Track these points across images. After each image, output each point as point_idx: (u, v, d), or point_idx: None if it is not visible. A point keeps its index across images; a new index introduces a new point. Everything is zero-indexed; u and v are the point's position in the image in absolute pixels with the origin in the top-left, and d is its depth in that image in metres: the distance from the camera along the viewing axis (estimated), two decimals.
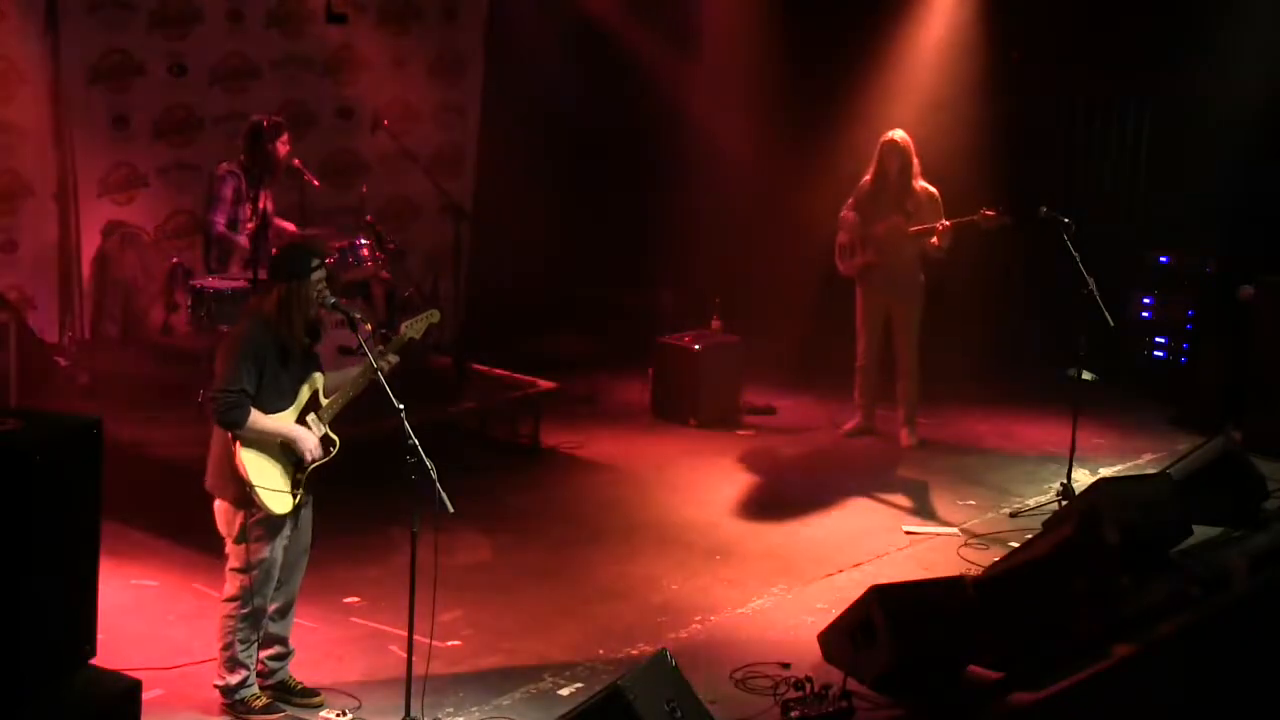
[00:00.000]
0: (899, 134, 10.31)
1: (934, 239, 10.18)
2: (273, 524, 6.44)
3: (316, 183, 9.75)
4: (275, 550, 6.49)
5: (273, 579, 6.54)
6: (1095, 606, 7.14)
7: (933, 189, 10.32)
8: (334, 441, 6.59)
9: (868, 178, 10.42)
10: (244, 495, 6.35)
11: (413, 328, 6.77)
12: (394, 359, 6.65)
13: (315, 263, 6.47)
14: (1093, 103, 13.04)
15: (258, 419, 6.34)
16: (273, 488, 6.39)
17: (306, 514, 6.67)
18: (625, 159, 12.60)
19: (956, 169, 10.87)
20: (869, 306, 10.60)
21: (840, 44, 12.53)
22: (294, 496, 6.46)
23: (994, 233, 10.26)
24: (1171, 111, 12.65)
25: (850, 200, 10.51)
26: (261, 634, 6.62)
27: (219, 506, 6.49)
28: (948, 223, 10.13)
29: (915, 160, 10.30)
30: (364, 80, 11.66)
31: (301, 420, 6.51)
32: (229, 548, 6.50)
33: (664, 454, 10.50)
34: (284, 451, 6.46)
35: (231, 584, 6.51)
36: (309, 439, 6.47)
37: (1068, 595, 7.14)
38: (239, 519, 6.42)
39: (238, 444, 6.34)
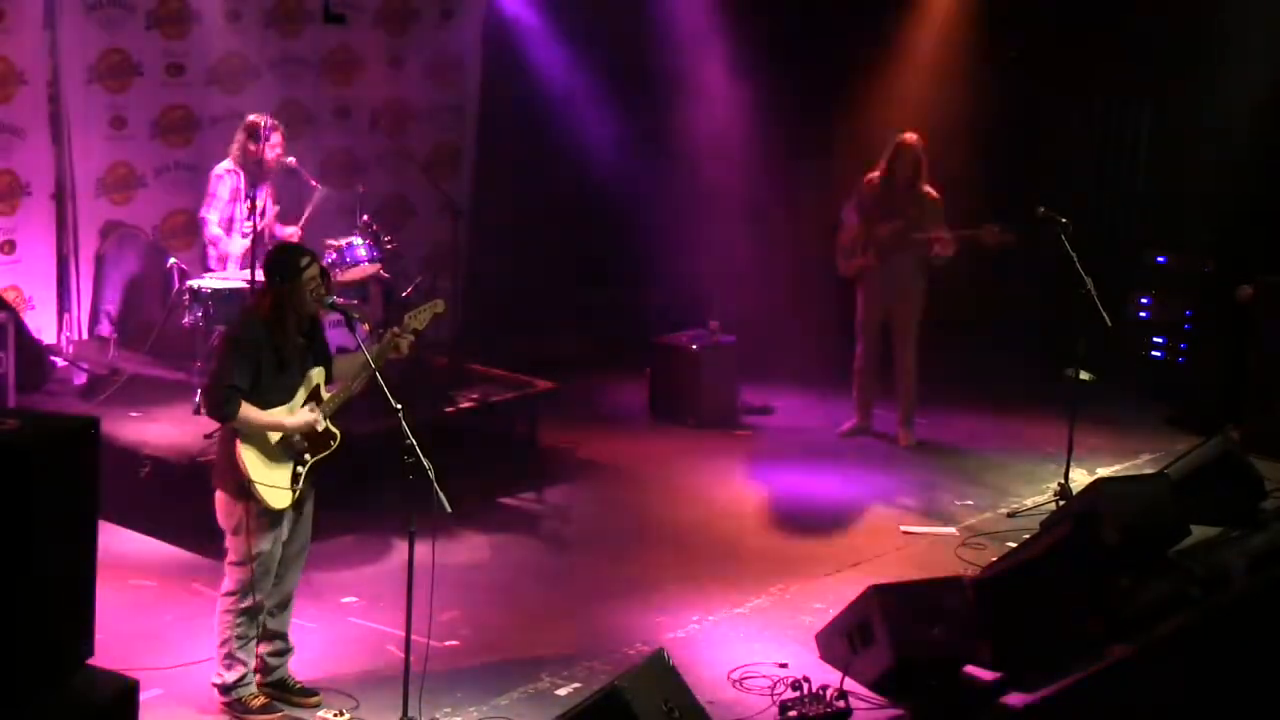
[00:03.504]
0: (912, 136, 10.26)
1: (937, 248, 10.16)
2: (272, 518, 6.45)
3: (315, 183, 9.76)
4: (274, 545, 6.50)
5: (270, 574, 6.54)
6: (1093, 606, 7.14)
7: (935, 193, 10.30)
8: (335, 435, 6.61)
9: (876, 176, 10.37)
10: (243, 488, 6.37)
11: (417, 318, 6.77)
12: (406, 345, 6.65)
13: (305, 262, 6.49)
14: (1092, 102, 13.04)
15: (250, 413, 6.36)
16: (272, 484, 6.41)
17: (308, 510, 6.68)
18: (622, 158, 12.59)
19: (954, 168, 10.87)
20: (868, 308, 10.60)
21: (839, 42, 12.53)
22: (293, 492, 6.48)
23: (995, 250, 10.26)
24: (1171, 111, 12.65)
25: (852, 199, 10.48)
26: (260, 629, 6.62)
27: (219, 498, 6.51)
28: (951, 234, 10.10)
29: (925, 164, 10.27)
30: (362, 80, 11.66)
31: (301, 410, 6.54)
32: (228, 540, 6.52)
33: (661, 454, 10.50)
34: (284, 447, 6.48)
35: (230, 578, 6.52)
36: (303, 422, 6.48)
37: (1066, 595, 7.14)
38: (238, 511, 6.43)
39: (238, 440, 6.37)
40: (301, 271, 6.45)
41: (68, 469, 5.44)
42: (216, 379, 6.43)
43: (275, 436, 6.46)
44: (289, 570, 6.68)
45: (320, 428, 6.55)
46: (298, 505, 6.58)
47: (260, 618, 6.60)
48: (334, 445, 6.61)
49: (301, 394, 6.55)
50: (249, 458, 6.38)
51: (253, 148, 9.39)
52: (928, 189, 10.29)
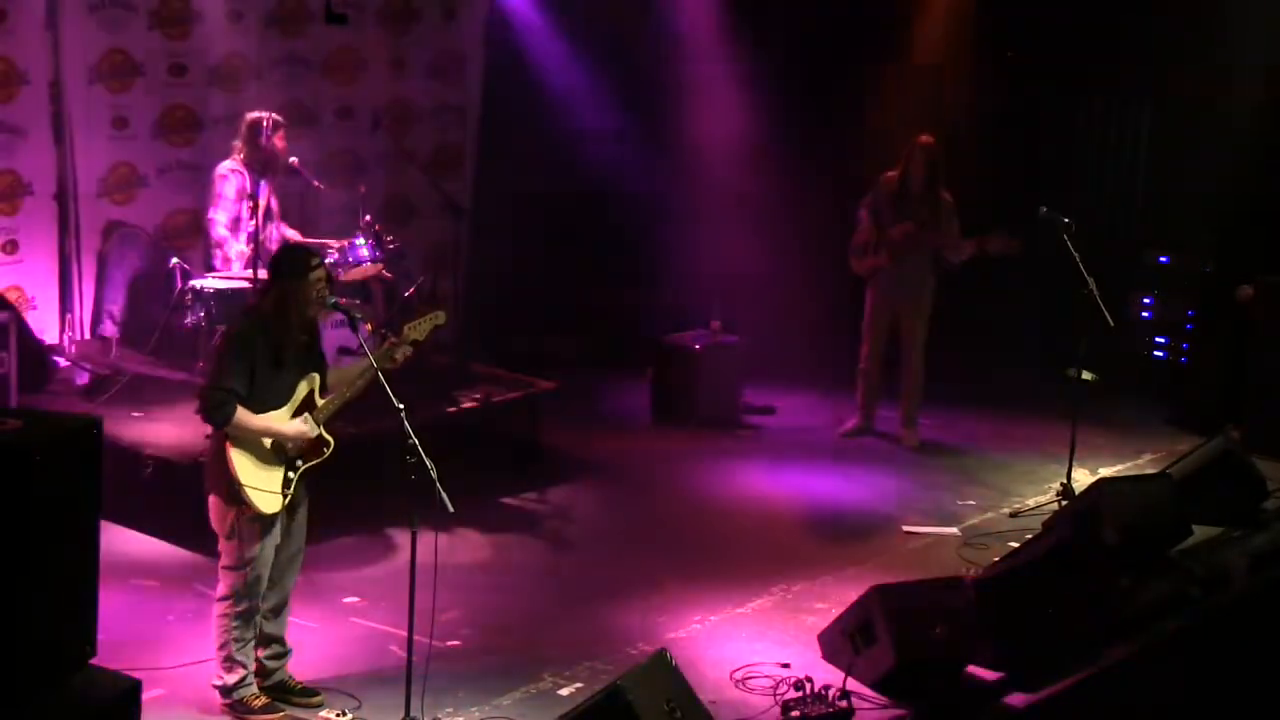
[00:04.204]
0: (928, 139, 10.26)
1: (949, 254, 10.16)
2: (263, 522, 6.45)
3: (316, 183, 9.77)
4: (266, 548, 6.49)
5: (264, 578, 6.54)
6: (1095, 606, 7.14)
7: (950, 197, 10.30)
8: (328, 442, 6.60)
9: (893, 176, 10.37)
10: (234, 492, 6.37)
11: (416, 329, 6.76)
12: (401, 356, 6.66)
13: (314, 262, 6.50)
14: (1092, 102, 13.04)
15: (244, 418, 6.35)
16: (262, 487, 6.40)
17: (302, 515, 6.68)
18: (624, 158, 12.60)
19: (955, 168, 10.87)
20: (877, 308, 10.59)
21: (839, 43, 12.53)
22: (283, 497, 6.47)
23: (999, 256, 10.25)
24: (1171, 111, 12.65)
25: (868, 198, 10.47)
26: (257, 633, 6.63)
27: (212, 502, 6.51)
28: (972, 242, 10.06)
29: (941, 167, 10.26)
30: (363, 80, 11.66)
31: (295, 419, 6.52)
32: (221, 545, 6.52)
33: (663, 454, 10.50)
34: (275, 452, 6.47)
35: (224, 582, 6.53)
36: (296, 431, 6.47)
37: (1067, 595, 7.15)
38: (230, 516, 6.44)
39: (228, 442, 6.37)
40: (309, 271, 6.46)
41: (70, 469, 5.44)
42: (213, 381, 6.41)
43: (268, 441, 6.46)
44: (284, 574, 6.68)
45: (313, 435, 6.55)
46: (290, 510, 6.57)
47: (257, 620, 6.60)
48: (327, 452, 6.60)
49: (301, 392, 6.54)
50: (239, 460, 6.37)
51: (262, 143, 9.39)
52: (943, 193, 10.29)
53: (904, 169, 10.30)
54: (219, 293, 9.04)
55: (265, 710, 6.57)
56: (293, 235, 9.66)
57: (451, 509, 6.07)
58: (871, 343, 10.68)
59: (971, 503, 9.68)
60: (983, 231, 10.14)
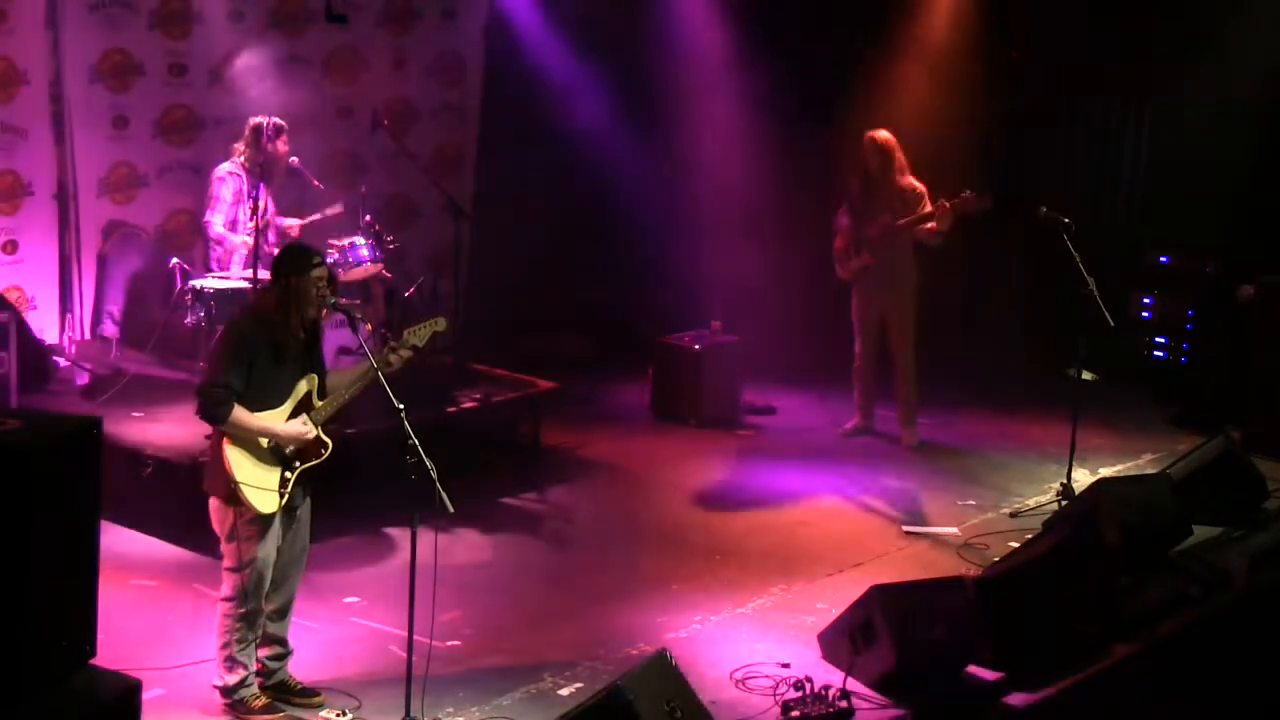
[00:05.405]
0: (879, 133, 10.33)
1: (930, 225, 10.18)
2: (262, 524, 6.45)
3: (317, 183, 9.77)
4: (267, 549, 6.49)
5: (266, 579, 6.54)
6: (1095, 606, 7.14)
7: (919, 186, 10.32)
8: (326, 444, 6.60)
9: (856, 180, 10.45)
10: (232, 493, 6.37)
11: (416, 334, 6.76)
12: (397, 360, 6.65)
13: (315, 260, 6.51)
14: (1093, 102, 13.03)
15: (242, 416, 6.35)
16: (259, 486, 6.40)
17: (304, 514, 6.68)
18: (624, 159, 12.59)
19: (956, 169, 10.86)
20: (864, 307, 10.62)
21: (840, 43, 12.53)
22: (281, 496, 6.47)
23: (976, 217, 10.26)
24: (1171, 111, 12.64)
25: (844, 205, 10.55)
26: (260, 634, 6.63)
27: (212, 504, 6.52)
28: (947, 204, 10.05)
29: (898, 157, 10.30)
30: (364, 80, 11.65)
31: (293, 420, 6.52)
32: (223, 546, 6.52)
33: (664, 454, 10.50)
34: (272, 451, 6.47)
35: (227, 584, 6.53)
36: (294, 433, 6.47)
37: (1068, 595, 7.15)
38: (229, 517, 6.44)
39: (225, 440, 6.37)
40: (311, 269, 6.47)
41: (70, 469, 5.44)
42: (211, 377, 6.42)
43: (265, 441, 6.46)
44: (288, 575, 6.68)
45: (310, 436, 6.55)
46: (289, 510, 6.57)
47: (260, 621, 6.60)
48: (325, 454, 6.60)
49: (299, 392, 6.54)
50: (236, 458, 6.38)
51: (269, 147, 9.40)
52: (909, 180, 10.31)
53: (862, 169, 10.37)
54: (219, 293, 9.04)
55: (265, 711, 6.58)
56: (291, 224, 9.65)
57: (451, 509, 6.07)
58: (863, 341, 10.69)
59: (971, 503, 9.68)
60: (953, 197, 10.11)
